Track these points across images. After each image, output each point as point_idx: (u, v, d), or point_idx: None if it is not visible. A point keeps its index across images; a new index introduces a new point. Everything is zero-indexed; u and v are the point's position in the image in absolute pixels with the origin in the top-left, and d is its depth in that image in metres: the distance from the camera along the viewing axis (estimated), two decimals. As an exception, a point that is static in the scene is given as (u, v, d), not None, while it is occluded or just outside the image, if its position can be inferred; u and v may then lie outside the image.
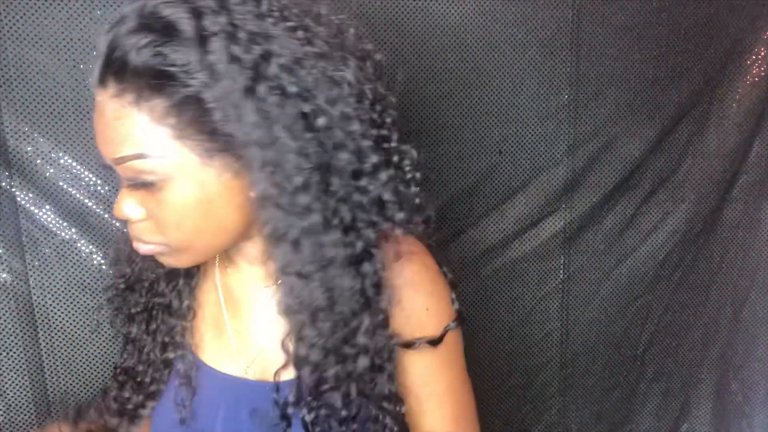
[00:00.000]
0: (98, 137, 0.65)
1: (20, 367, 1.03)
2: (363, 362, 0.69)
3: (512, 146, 1.21)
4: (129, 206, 0.66)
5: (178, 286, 0.81)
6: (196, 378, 0.78)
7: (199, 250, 0.68)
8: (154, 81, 0.59)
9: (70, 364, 1.05)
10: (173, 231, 0.65)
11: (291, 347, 0.70)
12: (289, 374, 0.72)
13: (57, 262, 1.01)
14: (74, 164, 0.98)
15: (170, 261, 0.69)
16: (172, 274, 0.80)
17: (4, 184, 0.97)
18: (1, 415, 1.04)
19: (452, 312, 0.75)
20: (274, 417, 0.72)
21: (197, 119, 0.60)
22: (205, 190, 0.63)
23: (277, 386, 0.72)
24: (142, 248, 0.68)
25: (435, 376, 0.75)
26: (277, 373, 0.73)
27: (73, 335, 1.04)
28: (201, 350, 0.80)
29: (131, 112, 0.61)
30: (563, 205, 1.26)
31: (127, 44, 0.60)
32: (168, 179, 0.62)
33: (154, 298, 0.81)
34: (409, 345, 0.72)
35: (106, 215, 1.01)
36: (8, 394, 1.03)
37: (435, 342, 0.73)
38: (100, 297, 1.01)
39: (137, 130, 0.61)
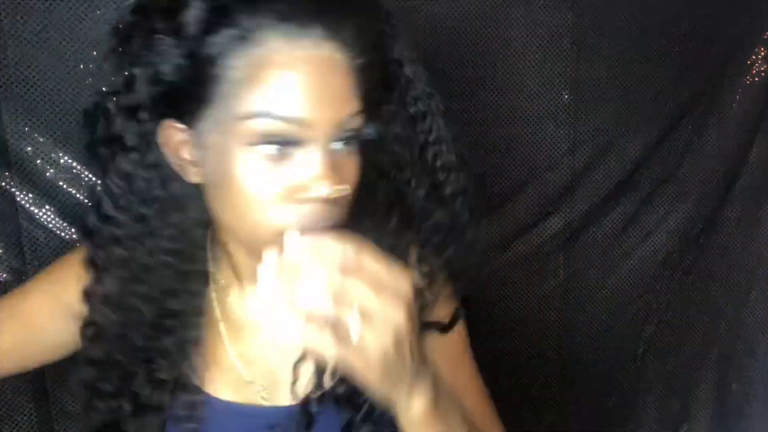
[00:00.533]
0: (326, 97, 0.57)
1: (20, 367, 1.03)
2: None
3: (512, 146, 1.21)
4: (336, 176, 0.58)
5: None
6: (202, 415, 0.72)
7: None
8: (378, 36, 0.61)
9: (70, 364, 1.05)
10: (349, 204, 0.62)
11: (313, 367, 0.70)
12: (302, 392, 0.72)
13: (57, 262, 1.01)
14: (74, 164, 0.98)
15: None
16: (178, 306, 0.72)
17: (4, 184, 0.97)
18: (1, 415, 1.04)
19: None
20: None
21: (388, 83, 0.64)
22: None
23: (305, 408, 0.70)
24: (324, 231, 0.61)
25: (461, 362, 0.76)
26: (307, 399, 0.71)
27: (73, 335, 1.04)
28: (203, 382, 0.73)
29: (351, 65, 0.58)
30: (563, 205, 1.26)
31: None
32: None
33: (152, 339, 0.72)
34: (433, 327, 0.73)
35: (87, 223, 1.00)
36: (8, 394, 1.03)
37: (447, 326, 0.74)
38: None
39: (356, 85, 0.59)
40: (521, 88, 1.18)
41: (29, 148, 0.96)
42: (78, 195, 0.99)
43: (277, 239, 0.55)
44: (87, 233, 0.70)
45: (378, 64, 0.61)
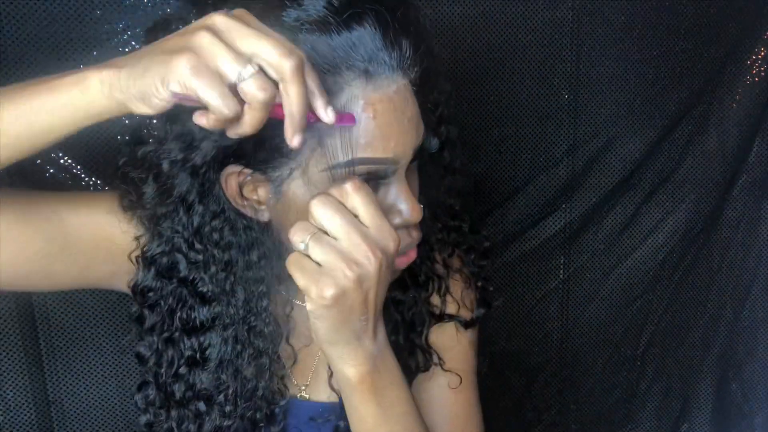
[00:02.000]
0: (394, 133, 0.57)
1: (20, 367, 1.03)
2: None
3: (512, 146, 1.20)
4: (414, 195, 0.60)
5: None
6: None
7: None
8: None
9: (70, 364, 1.05)
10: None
11: None
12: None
13: (57, 262, 1.01)
14: (74, 164, 0.98)
15: (415, 257, 0.64)
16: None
17: (4, 184, 0.97)
18: (1, 415, 1.04)
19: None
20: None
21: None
22: None
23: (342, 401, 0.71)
24: (414, 253, 0.62)
25: (467, 357, 0.78)
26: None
27: (73, 335, 1.04)
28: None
29: (414, 85, 0.59)
30: (563, 205, 1.26)
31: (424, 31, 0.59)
32: None
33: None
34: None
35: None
36: (8, 394, 1.03)
37: (469, 323, 0.77)
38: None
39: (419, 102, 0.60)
40: (521, 88, 1.18)
41: (29, 148, 0.96)
42: (78, 195, 0.99)
43: None
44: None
45: (429, 74, 0.62)
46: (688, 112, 1.28)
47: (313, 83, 0.50)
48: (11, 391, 1.03)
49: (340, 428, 0.73)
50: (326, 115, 0.51)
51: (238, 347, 0.65)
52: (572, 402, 1.38)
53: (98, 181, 0.99)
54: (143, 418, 0.71)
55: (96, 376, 1.06)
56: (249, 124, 0.48)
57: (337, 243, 0.52)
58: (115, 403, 1.08)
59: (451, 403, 0.75)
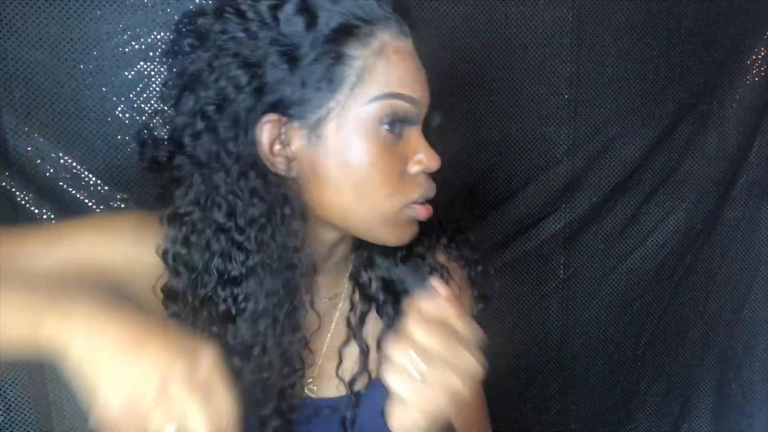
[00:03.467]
0: (415, 78, 0.65)
1: (20, 366, 1.03)
2: None
3: (512, 146, 1.21)
4: None
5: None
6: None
7: None
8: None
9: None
10: None
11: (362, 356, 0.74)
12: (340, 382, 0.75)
13: (57, 262, 1.01)
14: (74, 164, 0.98)
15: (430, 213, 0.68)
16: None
17: (4, 184, 0.97)
18: (1, 415, 1.04)
19: None
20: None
21: None
22: None
23: (356, 397, 0.74)
24: (428, 208, 0.67)
25: None
26: (353, 384, 0.74)
27: (73, 335, 1.03)
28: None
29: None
30: (563, 205, 1.26)
31: None
32: None
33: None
34: None
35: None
36: (8, 394, 1.03)
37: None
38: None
39: None
40: (521, 87, 1.18)
41: (29, 148, 0.96)
42: (78, 195, 1.00)
43: (400, 212, 0.64)
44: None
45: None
46: (688, 112, 1.28)
47: None
48: (11, 391, 1.03)
49: (347, 420, 0.74)
50: None
51: (275, 299, 0.65)
52: (572, 402, 1.38)
53: (98, 181, 0.99)
54: None
55: (96, 376, 1.06)
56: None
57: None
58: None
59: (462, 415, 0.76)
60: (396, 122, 0.63)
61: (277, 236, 0.64)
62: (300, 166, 0.64)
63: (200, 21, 0.64)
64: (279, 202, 0.64)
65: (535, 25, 1.15)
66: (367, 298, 0.76)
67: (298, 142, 0.63)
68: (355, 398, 0.74)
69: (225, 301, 0.65)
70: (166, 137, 0.67)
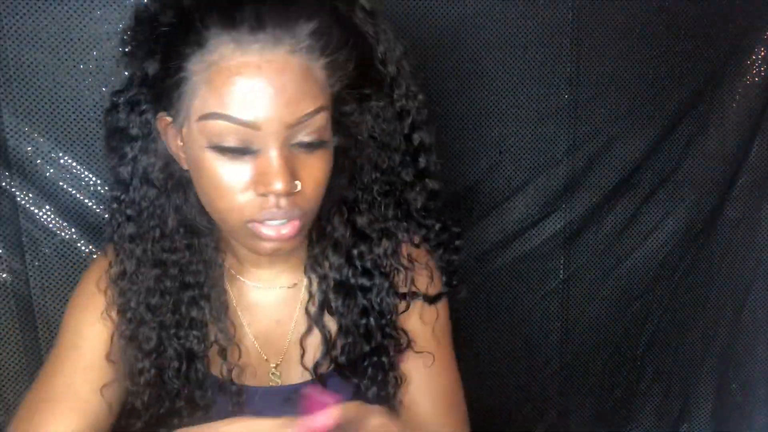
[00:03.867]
0: (276, 99, 0.60)
1: (20, 367, 1.03)
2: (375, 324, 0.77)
3: (512, 146, 1.20)
4: (289, 173, 0.62)
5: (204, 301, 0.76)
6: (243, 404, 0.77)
7: (312, 220, 0.70)
8: (341, 35, 0.63)
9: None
10: (316, 198, 0.66)
11: (320, 342, 0.76)
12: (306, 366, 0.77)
13: (57, 262, 1.01)
14: (74, 164, 0.98)
15: (295, 241, 0.68)
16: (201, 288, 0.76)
17: (4, 184, 0.97)
18: (1, 415, 1.04)
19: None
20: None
21: (359, 75, 0.65)
22: (331, 151, 0.67)
23: (320, 377, 0.76)
24: (285, 230, 0.65)
25: (439, 346, 0.80)
26: (316, 369, 0.76)
27: (73, 335, 1.04)
28: (220, 367, 0.77)
29: (312, 66, 0.62)
30: (563, 205, 1.26)
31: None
32: (329, 136, 0.65)
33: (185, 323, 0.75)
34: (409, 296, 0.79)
35: (106, 215, 1.01)
36: (8, 395, 1.03)
37: (432, 299, 0.80)
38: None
39: (317, 86, 0.62)
40: (521, 87, 1.18)
41: (29, 148, 0.96)
42: (78, 195, 1.00)
43: (242, 227, 0.64)
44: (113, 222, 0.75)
45: (348, 63, 0.64)
46: (688, 112, 1.28)
47: None
48: (11, 391, 1.03)
49: None
50: None
51: (151, 269, 0.73)
52: (572, 402, 1.38)
53: (98, 181, 0.99)
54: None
55: (96, 376, 1.06)
56: None
57: None
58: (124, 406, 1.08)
59: (432, 383, 0.78)
60: (234, 143, 0.61)
61: (162, 213, 0.72)
62: (185, 161, 0.68)
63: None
64: (171, 188, 0.71)
65: (534, 25, 1.15)
66: (322, 290, 0.78)
67: (179, 140, 0.67)
68: (320, 382, 0.76)
69: (125, 252, 0.75)
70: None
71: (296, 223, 0.65)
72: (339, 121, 0.67)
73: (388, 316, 0.77)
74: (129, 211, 0.72)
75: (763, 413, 1.46)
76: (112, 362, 0.74)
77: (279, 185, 0.61)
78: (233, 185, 0.63)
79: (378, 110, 0.72)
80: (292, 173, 0.62)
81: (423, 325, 0.79)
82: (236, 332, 0.78)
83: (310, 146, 0.63)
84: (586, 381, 1.37)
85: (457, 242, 0.83)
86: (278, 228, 0.64)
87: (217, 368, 0.76)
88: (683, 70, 1.25)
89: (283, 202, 0.63)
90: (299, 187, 0.63)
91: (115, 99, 0.71)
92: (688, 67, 1.25)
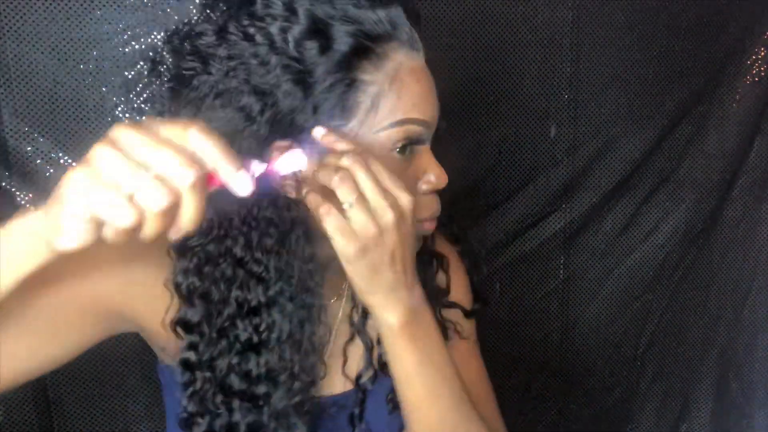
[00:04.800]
0: (428, 99, 0.64)
1: (20, 367, 1.03)
2: None
3: (512, 146, 1.21)
4: None
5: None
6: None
7: None
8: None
9: (71, 365, 1.04)
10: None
11: (365, 350, 0.74)
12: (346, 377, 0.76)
13: (57, 262, 1.01)
14: (74, 164, 0.98)
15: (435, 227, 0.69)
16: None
17: (4, 184, 0.97)
18: (1, 415, 1.04)
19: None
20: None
21: None
22: None
23: (363, 392, 0.74)
24: (434, 223, 0.67)
25: (472, 355, 0.83)
26: (360, 379, 0.74)
27: (73, 335, 1.04)
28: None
29: None
30: (563, 205, 1.26)
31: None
32: None
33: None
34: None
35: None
36: (8, 394, 1.03)
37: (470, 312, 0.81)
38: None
39: None
40: (521, 87, 1.18)
41: (29, 148, 0.96)
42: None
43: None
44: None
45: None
46: (688, 112, 1.28)
47: (218, 154, 0.46)
48: (11, 391, 1.03)
49: (355, 415, 0.74)
50: (240, 182, 0.47)
51: (297, 325, 0.66)
52: (572, 402, 1.38)
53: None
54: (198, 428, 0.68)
55: (96, 376, 1.06)
56: (147, 232, 0.46)
57: (365, 202, 0.57)
58: (115, 403, 1.08)
59: (470, 370, 0.79)
60: (407, 146, 0.63)
61: (294, 262, 0.64)
62: (310, 187, 0.61)
63: (200, 42, 0.60)
64: (292, 227, 0.63)
65: (535, 25, 1.15)
66: None
67: (309, 166, 0.59)
68: (362, 393, 0.75)
69: (246, 330, 0.65)
70: None
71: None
72: None
73: (433, 303, 0.73)
74: (260, 271, 0.63)
75: (763, 413, 1.46)
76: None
77: (444, 179, 0.65)
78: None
79: None
80: None
81: (459, 317, 0.81)
82: None
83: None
84: (586, 381, 1.37)
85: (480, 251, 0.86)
86: (433, 223, 0.67)
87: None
88: (683, 70, 1.25)
89: (436, 201, 0.66)
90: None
91: None
92: (688, 67, 1.25)
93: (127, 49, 0.96)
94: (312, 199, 0.58)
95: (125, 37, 0.96)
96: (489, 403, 0.80)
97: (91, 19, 0.94)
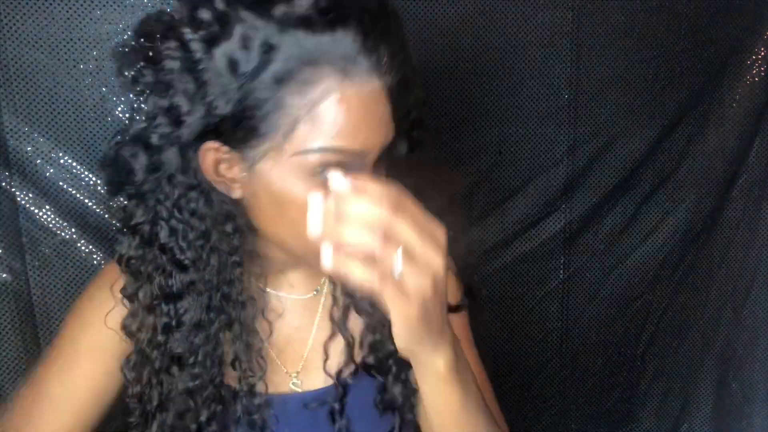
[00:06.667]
0: (361, 128, 0.60)
1: (20, 367, 1.03)
2: None
3: (512, 146, 1.21)
4: None
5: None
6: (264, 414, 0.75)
7: None
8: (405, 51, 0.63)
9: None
10: None
11: (344, 345, 0.76)
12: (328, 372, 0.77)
13: (57, 262, 1.01)
14: (74, 164, 0.98)
15: None
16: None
17: (4, 184, 0.97)
18: (1, 414, 1.04)
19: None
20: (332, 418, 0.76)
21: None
22: None
23: (340, 381, 0.76)
24: None
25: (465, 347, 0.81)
26: (341, 375, 0.76)
27: (73, 335, 1.04)
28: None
29: (391, 85, 0.61)
30: (563, 205, 1.26)
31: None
32: None
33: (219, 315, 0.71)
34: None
35: (106, 215, 1.01)
36: (8, 395, 1.03)
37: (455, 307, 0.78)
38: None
39: (390, 101, 0.62)
40: (521, 87, 1.18)
41: (29, 148, 0.96)
42: (78, 195, 1.00)
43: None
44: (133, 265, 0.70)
45: (405, 82, 0.63)
46: (688, 112, 1.28)
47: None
48: (11, 391, 1.03)
49: (336, 410, 0.76)
50: None
51: (212, 314, 0.70)
52: (572, 402, 1.38)
53: (98, 181, 0.99)
54: (131, 390, 0.74)
55: (96, 376, 1.06)
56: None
57: (409, 251, 0.53)
58: (115, 404, 1.08)
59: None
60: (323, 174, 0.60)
61: (216, 254, 0.67)
62: (242, 190, 0.64)
63: (149, 43, 0.62)
64: (220, 221, 0.67)
65: (534, 26, 1.15)
66: (348, 294, 0.77)
67: (237, 170, 0.63)
68: (342, 388, 0.76)
69: (167, 314, 0.69)
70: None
71: None
72: None
73: None
74: (182, 258, 0.67)
75: (763, 413, 1.46)
76: (112, 373, 0.75)
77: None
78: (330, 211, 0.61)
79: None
80: None
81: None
82: (262, 343, 0.77)
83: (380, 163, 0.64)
84: (586, 381, 1.37)
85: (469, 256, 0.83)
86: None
87: (233, 378, 0.75)
88: (683, 70, 1.25)
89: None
90: None
91: (151, 131, 0.63)
92: (688, 67, 1.25)
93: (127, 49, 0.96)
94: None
95: (125, 37, 0.96)
96: (492, 403, 0.80)
97: (91, 19, 0.94)
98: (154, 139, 0.62)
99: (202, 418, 0.72)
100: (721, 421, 1.46)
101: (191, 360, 0.70)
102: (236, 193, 0.65)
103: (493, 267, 1.26)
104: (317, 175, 0.59)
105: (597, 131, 1.24)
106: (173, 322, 0.69)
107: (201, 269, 0.68)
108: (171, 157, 0.63)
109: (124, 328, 0.72)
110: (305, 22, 0.56)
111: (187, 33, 0.58)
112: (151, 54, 0.62)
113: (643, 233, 1.33)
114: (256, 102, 0.58)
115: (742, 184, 1.35)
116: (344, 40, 0.57)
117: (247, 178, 0.63)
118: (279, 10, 0.56)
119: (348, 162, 0.60)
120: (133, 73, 0.63)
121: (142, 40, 0.63)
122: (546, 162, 1.23)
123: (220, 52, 0.57)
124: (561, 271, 1.30)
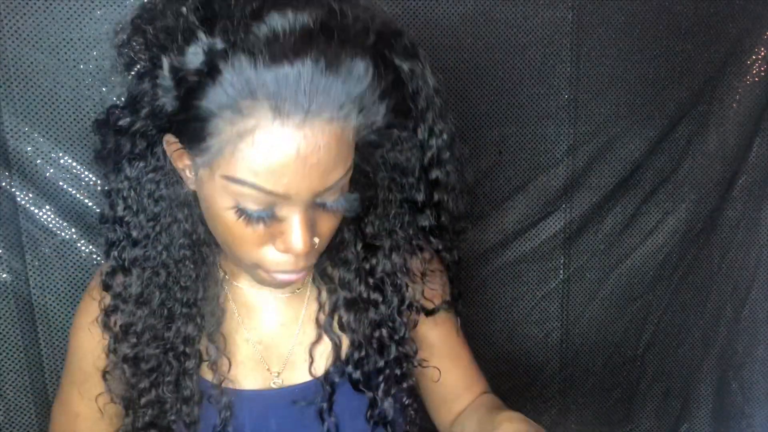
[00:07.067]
0: (310, 172, 0.57)
1: (20, 367, 1.03)
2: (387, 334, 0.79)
3: (512, 146, 1.21)
4: (311, 235, 0.62)
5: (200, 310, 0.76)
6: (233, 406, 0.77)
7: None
8: (378, 89, 0.58)
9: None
10: (326, 244, 0.67)
11: (328, 345, 0.78)
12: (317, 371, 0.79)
13: (57, 262, 1.01)
14: (74, 164, 0.98)
15: (299, 280, 0.69)
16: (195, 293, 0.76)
17: (4, 184, 0.97)
18: (1, 415, 1.04)
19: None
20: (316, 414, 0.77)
21: (386, 115, 0.60)
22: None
23: (331, 383, 0.78)
24: (296, 276, 0.66)
25: (455, 340, 0.86)
26: (326, 376, 0.78)
27: (73, 335, 1.04)
28: (222, 374, 0.77)
29: (346, 128, 0.58)
30: (563, 205, 1.26)
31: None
32: (348, 181, 0.63)
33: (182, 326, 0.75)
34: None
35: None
36: (8, 395, 1.03)
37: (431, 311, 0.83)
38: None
39: (348, 147, 0.59)
40: (521, 87, 1.18)
41: (29, 148, 0.96)
42: (78, 195, 1.00)
43: (254, 268, 0.65)
44: (108, 241, 0.74)
45: (379, 114, 0.59)
46: (688, 112, 1.28)
47: None
48: (11, 391, 1.03)
49: (324, 409, 0.77)
50: None
51: (155, 290, 0.73)
52: (572, 402, 1.38)
53: (98, 181, 0.99)
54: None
55: (96, 376, 1.06)
56: None
57: None
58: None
59: (463, 356, 0.86)
60: (240, 213, 0.60)
61: (167, 234, 0.71)
62: (194, 186, 0.67)
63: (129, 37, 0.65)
64: (175, 205, 0.70)
65: (534, 25, 1.15)
66: (331, 297, 0.79)
67: (189, 167, 0.65)
68: (330, 387, 0.77)
69: (120, 284, 0.74)
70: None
71: (305, 272, 0.67)
72: (359, 153, 0.63)
73: (402, 331, 0.79)
74: (135, 234, 0.71)
75: (763, 413, 1.46)
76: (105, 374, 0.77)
77: (300, 247, 0.61)
78: (252, 240, 0.62)
79: (397, 138, 0.70)
80: (312, 233, 0.62)
81: (435, 326, 0.84)
82: (236, 338, 0.78)
83: (332, 204, 0.62)
84: (586, 381, 1.37)
85: (454, 267, 0.85)
86: (290, 277, 0.66)
87: (214, 375, 0.77)
88: (683, 70, 1.25)
89: (301, 260, 0.63)
90: (317, 243, 0.64)
91: (114, 114, 0.67)
92: (688, 67, 1.25)
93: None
94: None
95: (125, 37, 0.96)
96: (481, 377, 0.87)
97: (91, 19, 0.94)
98: (122, 124, 0.66)
99: (168, 406, 0.75)
100: (721, 421, 1.46)
101: (132, 329, 0.74)
102: (190, 186, 0.68)
103: (493, 267, 1.26)
104: (235, 209, 0.60)
105: (597, 131, 1.24)
106: (123, 293, 0.74)
107: (150, 247, 0.71)
108: (128, 142, 0.67)
109: (102, 323, 0.76)
110: (252, 52, 0.54)
111: (149, 34, 0.61)
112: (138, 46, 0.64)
113: (643, 233, 1.33)
114: (195, 114, 0.57)
115: (742, 184, 1.35)
116: (287, 78, 0.53)
117: (195, 177, 0.65)
118: (235, 35, 0.54)
119: (274, 202, 0.59)
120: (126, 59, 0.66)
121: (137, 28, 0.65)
122: (546, 162, 1.23)
123: (170, 62, 0.57)
124: (561, 271, 1.30)
